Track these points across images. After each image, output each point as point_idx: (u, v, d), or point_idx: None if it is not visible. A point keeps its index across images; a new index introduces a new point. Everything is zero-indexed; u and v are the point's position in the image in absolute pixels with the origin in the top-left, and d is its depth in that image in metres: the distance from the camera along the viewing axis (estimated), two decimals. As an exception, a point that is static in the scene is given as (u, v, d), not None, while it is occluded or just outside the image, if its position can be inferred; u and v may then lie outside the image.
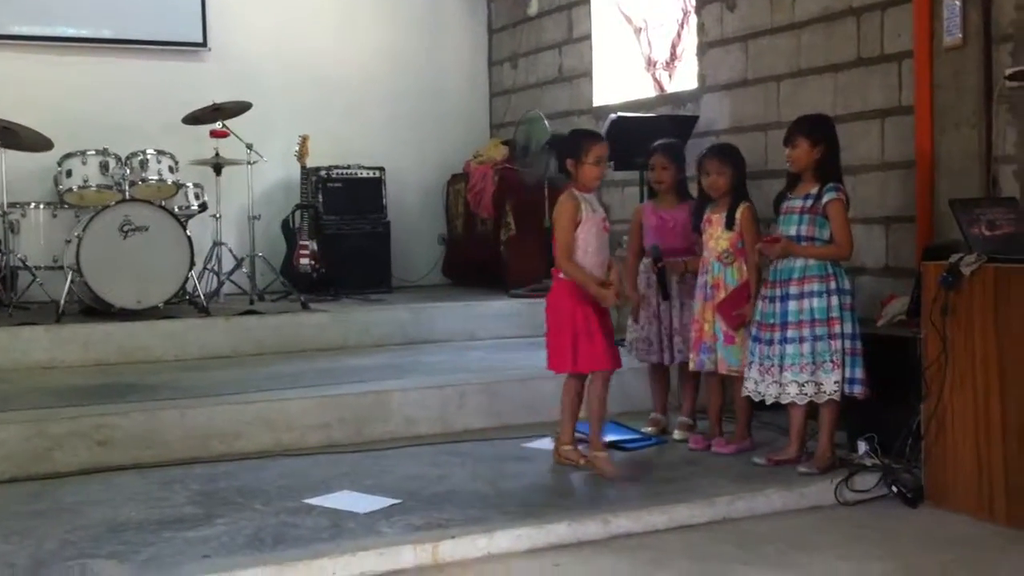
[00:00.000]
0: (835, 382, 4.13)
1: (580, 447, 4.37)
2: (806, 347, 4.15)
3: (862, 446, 4.22)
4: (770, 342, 4.24)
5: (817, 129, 4.27)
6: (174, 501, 3.93)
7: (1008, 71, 4.43)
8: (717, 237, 4.56)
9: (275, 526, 3.61)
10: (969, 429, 3.82)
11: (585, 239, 4.22)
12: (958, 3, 4.60)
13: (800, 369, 4.15)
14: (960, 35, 4.60)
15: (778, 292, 4.25)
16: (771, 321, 4.25)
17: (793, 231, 4.23)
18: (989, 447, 3.78)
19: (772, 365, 4.23)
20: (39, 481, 4.18)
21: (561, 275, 4.24)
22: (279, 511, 3.77)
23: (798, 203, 4.26)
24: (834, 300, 4.17)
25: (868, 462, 4.16)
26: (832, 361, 4.14)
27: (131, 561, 3.29)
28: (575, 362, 4.23)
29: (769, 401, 4.28)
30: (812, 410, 4.28)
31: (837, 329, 4.15)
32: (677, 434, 4.76)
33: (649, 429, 4.84)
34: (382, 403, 4.96)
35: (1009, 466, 3.71)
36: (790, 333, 4.19)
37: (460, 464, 4.41)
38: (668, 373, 4.96)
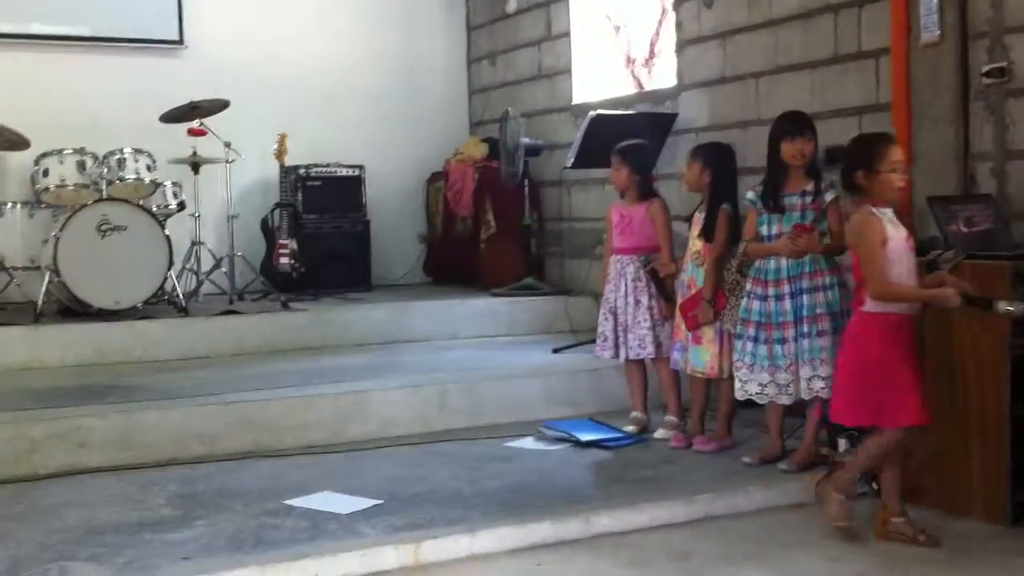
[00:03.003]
0: None
1: (558, 446, 4.35)
2: (826, 340, 4.10)
3: (842, 443, 4.22)
4: (782, 340, 4.16)
5: (812, 125, 4.28)
6: (153, 503, 3.92)
7: (984, 68, 4.45)
8: (694, 237, 4.59)
9: (255, 528, 3.60)
10: (946, 426, 3.83)
11: (892, 262, 3.53)
12: (935, 0, 4.62)
13: (823, 363, 4.09)
14: (937, 32, 4.62)
15: (786, 289, 4.18)
16: (780, 320, 4.18)
17: (801, 224, 4.18)
18: (966, 444, 3.80)
19: (790, 363, 4.16)
20: (17, 484, 4.15)
21: (868, 307, 3.56)
22: (259, 512, 3.76)
23: (797, 200, 4.22)
24: (843, 293, 4.17)
25: (848, 459, 4.17)
26: None
27: (110, 564, 3.27)
28: (881, 415, 3.55)
29: (788, 401, 4.20)
30: (792, 407, 4.29)
31: (845, 322, 4.13)
32: (660, 433, 4.77)
33: (630, 428, 4.84)
34: (362, 403, 4.95)
35: (985, 463, 3.73)
36: (806, 327, 4.13)
37: (441, 464, 4.40)
38: (645, 370, 4.96)
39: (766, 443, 4.41)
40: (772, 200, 4.23)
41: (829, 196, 4.19)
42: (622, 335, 4.82)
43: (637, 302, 4.78)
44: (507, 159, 7.14)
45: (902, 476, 3.64)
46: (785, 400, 4.21)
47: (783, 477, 4.13)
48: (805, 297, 4.16)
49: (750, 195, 4.34)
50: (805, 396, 4.17)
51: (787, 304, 4.18)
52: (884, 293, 3.50)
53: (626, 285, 4.82)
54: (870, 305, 3.54)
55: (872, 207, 3.57)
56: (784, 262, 4.19)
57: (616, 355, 4.87)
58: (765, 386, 4.20)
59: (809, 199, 4.20)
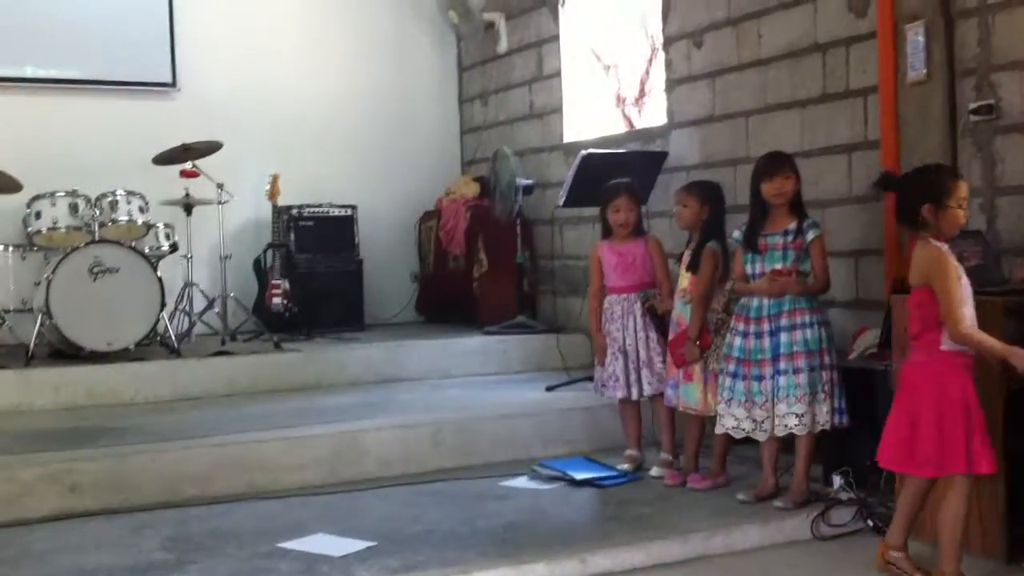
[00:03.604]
0: (827, 412, 4.17)
1: (552, 484, 4.33)
2: (802, 378, 4.14)
3: (837, 480, 4.24)
4: (759, 377, 4.21)
5: (793, 164, 4.32)
6: (145, 547, 3.88)
7: (972, 105, 4.50)
8: (682, 275, 4.63)
9: (249, 571, 3.57)
10: (942, 461, 3.82)
11: (965, 301, 3.41)
12: (921, 39, 4.67)
13: (797, 400, 4.14)
14: (924, 70, 4.67)
15: (766, 327, 4.22)
16: (758, 357, 4.23)
17: (779, 267, 4.23)
18: (962, 479, 3.79)
19: (766, 400, 4.20)
20: (8, 528, 4.12)
21: (947, 346, 3.41)
22: (252, 555, 3.74)
23: (779, 239, 4.26)
24: (823, 331, 4.21)
25: (843, 496, 4.17)
26: (824, 391, 4.17)
27: (102, 610, 3.24)
28: (970, 461, 3.36)
29: (762, 437, 4.25)
30: (784, 443, 4.29)
31: (826, 360, 4.19)
32: (655, 470, 4.76)
33: (625, 466, 4.83)
34: (356, 443, 4.94)
35: (981, 498, 3.72)
36: (783, 365, 4.17)
37: (436, 504, 4.39)
38: (639, 408, 4.96)
39: (761, 480, 4.40)
40: (752, 240, 4.29)
41: (811, 235, 4.22)
42: (634, 373, 4.82)
43: (648, 337, 4.79)
44: (501, 196, 7.16)
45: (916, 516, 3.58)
46: (760, 436, 4.25)
47: (779, 514, 4.11)
48: (783, 335, 4.19)
49: (736, 234, 4.41)
50: (779, 433, 4.20)
51: (766, 342, 4.22)
52: (966, 338, 3.34)
53: (635, 322, 4.82)
54: (948, 344, 3.39)
55: (937, 242, 3.45)
56: (765, 301, 4.24)
57: (629, 394, 4.86)
58: (740, 421, 4.25)
59: (791, 238, 4.24)
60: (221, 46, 7.93)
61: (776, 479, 4.31)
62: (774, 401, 4.19)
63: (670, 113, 6.42)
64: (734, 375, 4.29)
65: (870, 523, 4.03)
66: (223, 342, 6.71)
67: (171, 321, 6.60)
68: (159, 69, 7.78)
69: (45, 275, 6.16)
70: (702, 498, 4.40)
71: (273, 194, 7.24)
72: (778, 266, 4.22)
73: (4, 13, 7.33)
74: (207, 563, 3.66)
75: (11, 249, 6.57)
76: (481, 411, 5.50)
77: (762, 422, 4.21)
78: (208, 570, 3.59)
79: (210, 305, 7.01)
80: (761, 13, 5.65)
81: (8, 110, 7.31)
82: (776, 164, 4.31)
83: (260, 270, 7.51)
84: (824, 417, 4.16)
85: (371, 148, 8.41)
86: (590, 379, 5.79)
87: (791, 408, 4.15)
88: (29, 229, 6.61)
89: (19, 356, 6.08)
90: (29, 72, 7.49)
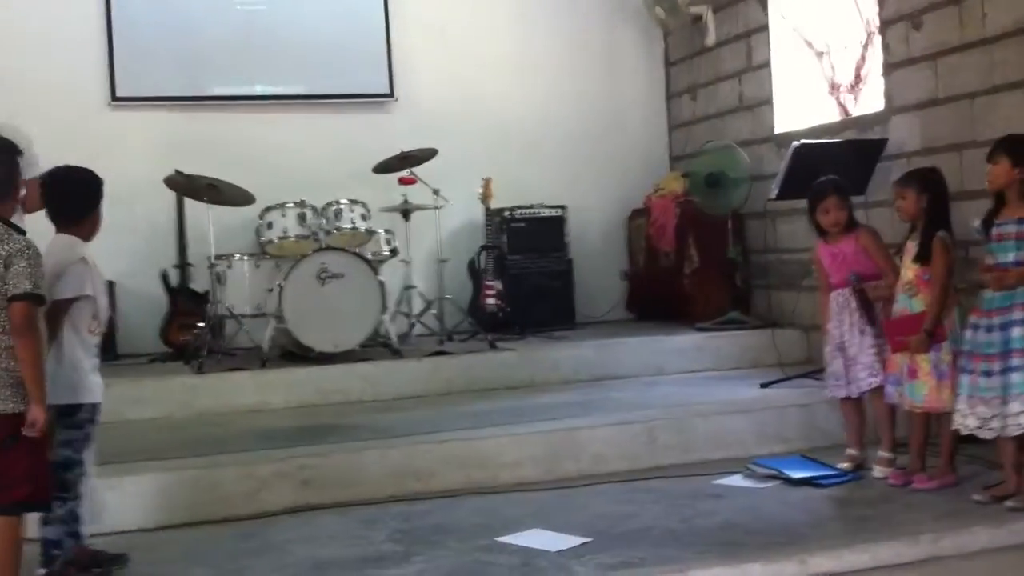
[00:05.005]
0: None
1: (768, 483, 4.25)
2: None
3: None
4: (989, 373, 4.03)
5: (1021, 148, 4.08)
6: (374, 539, 4.07)
7: None
8: (906, 266, 4.44)
9: (470, 564, 3.69)
10: None
11: None
12: None
13: None
14: None
15: (996, 321, 4.03)
16: (989, 351, 4.03)
17: (1012, 257, 4.02)
18: None
19: (994, 396, 4.00)
20: (249, 520, 4.40)
21: None
22: (473, 549, 3.85)
23: (1012, 228, 4.04)
24: None
25: None
26: None
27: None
28: None
29: (990, 436, 4.06)
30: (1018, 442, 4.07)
31: None
32: (876, 470, 4.60)
33: (845, 465, 4.69)
34: (572, 440, 5.00)
35: None
36: (1015, 361, 3.96)
37: (651, 501, 4.39)
38: (862, 405, 4.81)
39: (993, 480, 4.18)
40: (987, 229, 4.12)
41: None
42: (851, 371, 4.70)
43: (861, 331, 4.66)
44: (723, 192, 7.07)
45: None
46: (987, 435, 4.05)
47: (1011, 516, 3.90)
48: (1016, 329, 3.98)
49: (975, 223, 4.22)
50: (1012, 433, 3.98)
51: (996, 335, 4.02)
52: None
53: (850, 317, 4.70)
54: None
55: None
56: (996, 293, 4.05)
57: (849, 392, 4.74)
58: (967, 417, 4.08)
59: None
60: (434, 57, 8.19)
61: (1019, 479, 4.08)
62: (1004, 398, 3.97)
63: (888, 98, 6.18)
64: (963, 370, 4.13)
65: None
66: (441, 342, 6.93)
67: (392, 323, 6.87)
68: (378, 82, 8.11)
69: (277, 282, 6.53)
70: (927, 499, 4.22)
71: (486, 196, 7.41)
72: (1010, 256, 4.02)
73: (235, 36, 7.84)
74: (431, 555, 3.80)
75: (246, 258, 6.98)
76: (695, 408, 5.46)
77: (989, 419, 4.01)
78: (433, 562, 3.72)
79: (428, 307, 7.25)
80: (985, -11, 5.36)
81: (240, 127, 7.78)
82: (992, 148, 4.14)
83: (474, 272, 7.71)
84: None
85: (579, 148, 8.48)
86: (807, 376, 5.67)
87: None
88: (262, 239, 7.01)
89: (254, 359, 6.46)
90: (259, 90, 7.97)
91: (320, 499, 4.57)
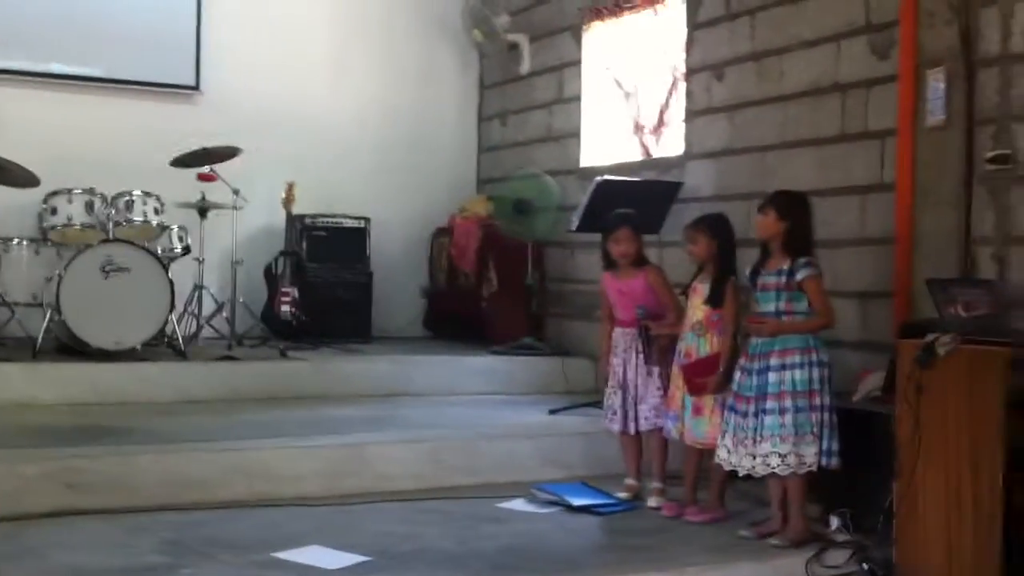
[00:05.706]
0: (815, 453, 4.16)
1: (549, 508, 4.33)
2: (787, 418, 4.15)
3: (835, 521, 4.22)
4: (745, 414, 4.25)
5: (788, 203, 4.33)
6: (140, 549, 3.89)
7: (988, 154, 4.51)
8: (696, 307, 4.61)
9: (242, 580, 3.58)
10: (940, 509, 3.82)
11: None
12: (942, 85, 4.69)
13: (781, 440, 4.15)
14: (943, 116, 4.69)
15: (756, 365, 4.26)
16: (748, 393, 4.26)
17: (772, 308, 4.26)
18: (960, 528, 3.78)
19: (746, 437, 4.23)
20: (8, 523, 4.12)
21: None
22: (247, 564, 3.74)
23: (772, 279, 4.29)
24: (815, 372, 4.20)
25: (840, 537, 4.16)
26: (812, 433, 4.16)
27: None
28: None
29: (742, 473, 4.29)
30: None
31: (816, 401, 4.18)
32: (651, 500, 4.75)
33: (624, 494, 4.82)
34: (359, 456, 4.94)
35: (978, 548, 3.71)
36: (769, 404, 4.20)
37: (433, 522, 4.38)
38: (640, 437, 4.96)
39: (760, 516, 4.39)
40: (754, 279, 4.36)
41: (800, 275, 4.21)
42: (631, 409, 4.83)
43: (648, 373, 4.80)
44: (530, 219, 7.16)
45: None
46: (741, 471, 4.28)
47: (775, 552, 4.10)
48: (772, 375, 4.21)
49: (747, 271, 4.44)
50: (761, 472, 4.21)
51: (755, 379, 4.25)
52: None
53: (636, 357, 4.83)
54: None
55: None
56: (759, 339, 4.28)
57: (625, 428, 4.86)
58: (730, 455, 4.29)
59: (783, 279, 4.25)
60: (246, 53, 7.98)
61: (784, 516, 4.29)
62: (756, 440, 4.20)
63: (688, 143, 6.45)
64: (731, 409, 4.34)
65: (865, 567, 4.01)
66: (229, 347, 6.74)
67: (179, 323, 6.63)
68: (183, 72, 7.84)
69: (57, 271, 6.20)
70: (699, 531, 4.39)
71: (288, 201, 7.27)
72: (771, 306, 4.26)
73: (32, 10, 7.40)
74: (200, 568, 3.67)
75: (25, 243, 6.62)
76: (483, 431, 5.51)
77: (743, 458, 4.24)
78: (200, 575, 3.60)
79: (219, 309, 7.04)
80: (784, 50, 5.67)
81: (31, 105, 7.37)
82: (763, 200, 4.38)
83: (271, 277, 7.53)
84: (812, 459, 4.15)
85: (388, 161, 8.44)
86: (594, 404, 5.80)
87: (775, 447, 4.15)
88: (44, 224, 6.65)
89: (26, 350, 6.11)
90: (55, 68, 7.55)
91: (86, 504, 4.33)
